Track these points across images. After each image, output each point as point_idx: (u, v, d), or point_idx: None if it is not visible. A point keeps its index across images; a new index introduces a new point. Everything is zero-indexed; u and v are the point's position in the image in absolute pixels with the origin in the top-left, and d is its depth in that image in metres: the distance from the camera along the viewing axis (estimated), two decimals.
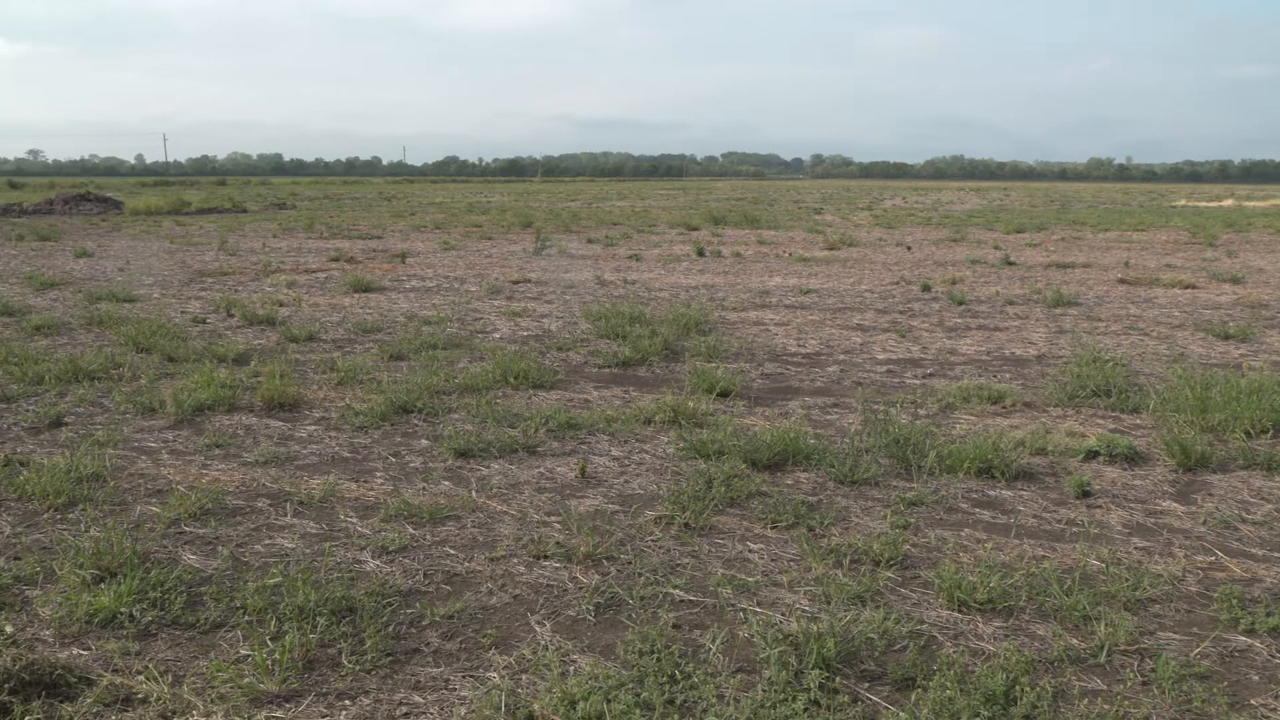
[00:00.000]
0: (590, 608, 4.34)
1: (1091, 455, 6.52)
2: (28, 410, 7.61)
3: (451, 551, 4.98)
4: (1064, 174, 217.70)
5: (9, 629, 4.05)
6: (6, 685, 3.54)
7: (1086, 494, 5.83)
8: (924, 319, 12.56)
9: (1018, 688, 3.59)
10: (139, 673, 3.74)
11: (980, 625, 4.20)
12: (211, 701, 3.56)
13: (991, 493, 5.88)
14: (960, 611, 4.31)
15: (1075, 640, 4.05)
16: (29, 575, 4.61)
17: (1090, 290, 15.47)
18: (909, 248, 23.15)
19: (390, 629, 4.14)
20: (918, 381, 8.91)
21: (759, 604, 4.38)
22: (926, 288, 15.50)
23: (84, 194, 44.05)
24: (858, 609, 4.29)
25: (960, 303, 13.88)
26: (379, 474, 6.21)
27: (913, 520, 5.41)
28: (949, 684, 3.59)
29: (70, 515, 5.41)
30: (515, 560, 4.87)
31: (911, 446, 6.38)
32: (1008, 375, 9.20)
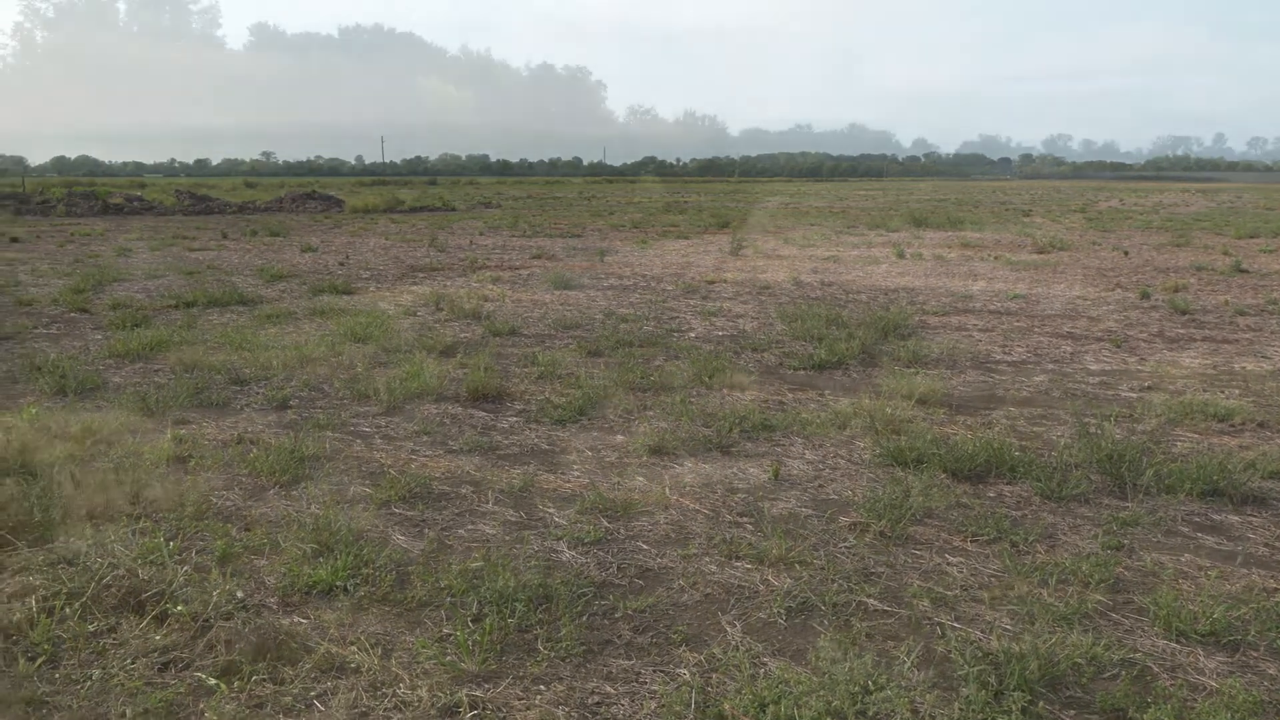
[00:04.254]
0: (781, 611, 4.31)
1: None
2: (258, 393, 8.22)
3: (644, 546, 5.05)
4: None
5: (240, 594, 4.38)
6: (237, 645, 3.83)
7: None
8: (1142, 328, 11.82)
9: None
10: (352, 643, 3.97)
11: (1201, 658, 3.91)
12: (417, 676, 3.74)
13: (1216, 517, 5.47)
14: (1179, 642, 4.03)
15: None
16: (257, 545, 4.97)
17: None
18: (1126, 252, 21.83)
19: (584, 619, 4.23)
20: (1134, 394, 8.39)
21: (957, 619, 4.24)
22: (1145, 295, 14.58)
23: (309, 193, 47.32)
24: (1064, 631, 4.08)
25: (1183, 312, 12.98)
26: (575, 467, 6.36)
27: (1126, 541, 5.10)
28: (1165, 719, 3.36)
29: (293, 492, 5.80)
30: (707, 559, 4.88)
31: (1127, 463, 6.00)
32: (1236, 391, 8.54)
